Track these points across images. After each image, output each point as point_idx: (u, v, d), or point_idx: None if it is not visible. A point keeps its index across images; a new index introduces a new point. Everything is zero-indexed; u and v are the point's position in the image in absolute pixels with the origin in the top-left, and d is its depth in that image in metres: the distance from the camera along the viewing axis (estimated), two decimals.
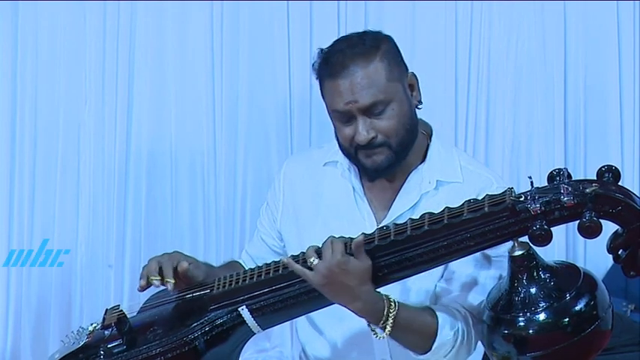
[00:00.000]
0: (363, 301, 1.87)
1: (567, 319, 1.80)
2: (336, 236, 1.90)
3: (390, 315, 1.89)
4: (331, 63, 2.00)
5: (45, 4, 3.21)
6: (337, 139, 2.08)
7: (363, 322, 1.99)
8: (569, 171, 1.80)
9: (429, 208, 1.88)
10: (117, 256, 3.29)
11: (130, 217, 3.30)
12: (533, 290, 1.83)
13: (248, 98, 3.31)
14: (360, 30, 2.10)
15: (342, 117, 2.01)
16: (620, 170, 1.80)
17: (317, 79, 2.06)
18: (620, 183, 1.79)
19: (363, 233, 1.89)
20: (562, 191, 1.75)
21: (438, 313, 1.96)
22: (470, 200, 1.84)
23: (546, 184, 1.82)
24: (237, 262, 2.34)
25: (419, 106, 2.07)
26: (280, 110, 3.31)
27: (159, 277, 2.01)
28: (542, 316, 1.81)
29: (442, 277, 2.04)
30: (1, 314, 3.27)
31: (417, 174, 2.09)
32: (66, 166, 3.27)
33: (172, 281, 2.02)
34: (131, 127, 3.29)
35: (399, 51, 2.05)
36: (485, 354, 2.20)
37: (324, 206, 2.15)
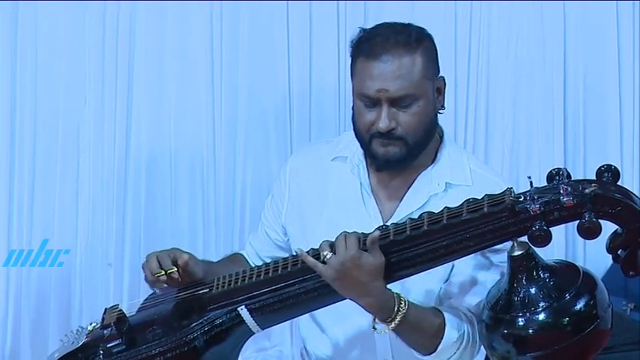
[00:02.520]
0: (375, 297, 1.86)
1: (567, 319, 1.81)
2: (345, 231, 1.88)
3: (400, 312, 1.88)
4: (373, 43, 1.98)
5: (45, 4, 3.20)
6: (354, 124, 2.06)
7: (367, 320, 1.98)
8: (568, 171, 1.81)
9: (437, 210, 1.87)
10: (116, 255, 3.28)
11: (130, 216, 3.29)
12: (532, 290, 1.83)
13: (247, 98, 3.30)
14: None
15: (368, 101, 1.99)
16: (619, 170, 1.80)
17: (351, 56, 2.04)
18: (619, 183, 1.80)
19: (378, 228, 1.88)
20: (561, 191, 1.75)
21: (445, 315, 1.95)
22: (469, 200, 1.84)
23: (545, 183, 1.82)
24: (240, 254, 2.33)
25: (441, 111, 2.07)
26: (280, 110, 3.30)
27: (162, 272, 2.02)
28: (541, 316, 1.81)
29: (448, 279, 2.04)
30: (0, 314, 3.27)
31: (426, 175, 2.08)
32: (65, 165, 3.26)
33: (175, 269, 2.02)
34: (131, 126, 3.28)
35: (437, 52, 2.05)
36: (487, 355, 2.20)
37: (329, 202, 2.14)
